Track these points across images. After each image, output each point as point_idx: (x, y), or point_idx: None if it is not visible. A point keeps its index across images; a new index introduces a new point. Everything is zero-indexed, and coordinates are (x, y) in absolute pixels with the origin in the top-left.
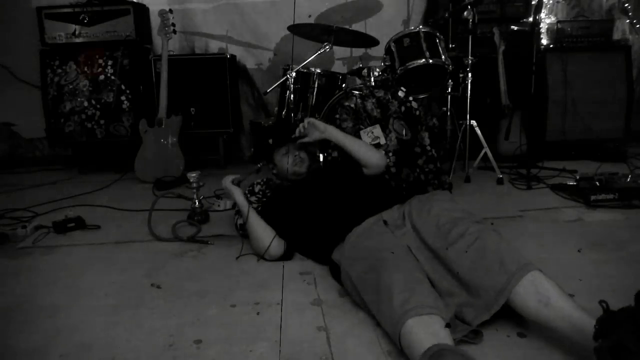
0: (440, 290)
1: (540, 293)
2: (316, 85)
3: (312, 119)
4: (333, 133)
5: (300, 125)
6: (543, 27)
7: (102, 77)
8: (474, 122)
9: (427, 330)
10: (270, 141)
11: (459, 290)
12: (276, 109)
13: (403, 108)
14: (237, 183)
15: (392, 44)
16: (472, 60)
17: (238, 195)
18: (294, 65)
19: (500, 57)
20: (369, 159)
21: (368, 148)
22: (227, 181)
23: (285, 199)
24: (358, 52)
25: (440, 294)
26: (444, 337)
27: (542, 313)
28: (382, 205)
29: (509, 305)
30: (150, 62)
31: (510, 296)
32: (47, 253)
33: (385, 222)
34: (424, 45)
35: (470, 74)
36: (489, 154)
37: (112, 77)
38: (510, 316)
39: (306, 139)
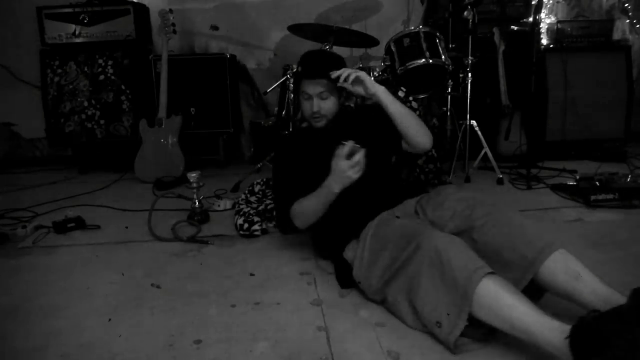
0: None
1: (570, 267)
2: None
3: (362, 73)
4: (382, 96)
5: (347, 72)
6: (543, 27)
7: (102, 77)
8: (474, 122)
9: (507, 287)
10: (299, 70)
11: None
12: (276, 109)
13: None
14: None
15: (392, 44)
16: (472, 60)
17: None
18: (293, 65)
19: (500, 57)
20: (419, 136)
21: (421, 124)
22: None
23: (302, 167)
24: (358, 52)
25: None
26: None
27: (572, 286)
28: (396, 200)
29: (536, 280)
30: (150, 62)
31: (540, 270)
32: (47, 253)
33: (397, 218)
34: (424, 45)
35: (470, 74)
36: (489, 154)
37: (112, 77)
38: None
39: (345, 84)
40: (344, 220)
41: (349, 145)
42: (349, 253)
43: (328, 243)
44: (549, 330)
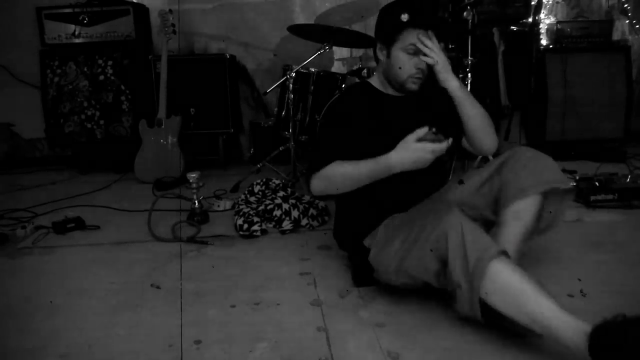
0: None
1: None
2: (316, 86)
3: (441, 60)
4: (455, 92)
5: (429, 51)
6: (543, 27)
7: (101, 77)
8: None
9: (515, 269)
10: (405, 17)
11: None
12: (276, 109)
13: None
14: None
15: None
16: (471, 60)
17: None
18: (293, 66)
19: (500, 57)
20: (485, 140)
21: (491, 127)
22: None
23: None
24: (358, 52)
25: None
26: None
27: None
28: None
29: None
30: (150, 62)
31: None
32: (46, 253)
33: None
34: None
35: (469, 75)
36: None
37: (112, 78)
38: None
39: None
40: (378, 206)
41: (433, 133)
42: (368, 240)
43: (352, 228)
44: (573, 329)
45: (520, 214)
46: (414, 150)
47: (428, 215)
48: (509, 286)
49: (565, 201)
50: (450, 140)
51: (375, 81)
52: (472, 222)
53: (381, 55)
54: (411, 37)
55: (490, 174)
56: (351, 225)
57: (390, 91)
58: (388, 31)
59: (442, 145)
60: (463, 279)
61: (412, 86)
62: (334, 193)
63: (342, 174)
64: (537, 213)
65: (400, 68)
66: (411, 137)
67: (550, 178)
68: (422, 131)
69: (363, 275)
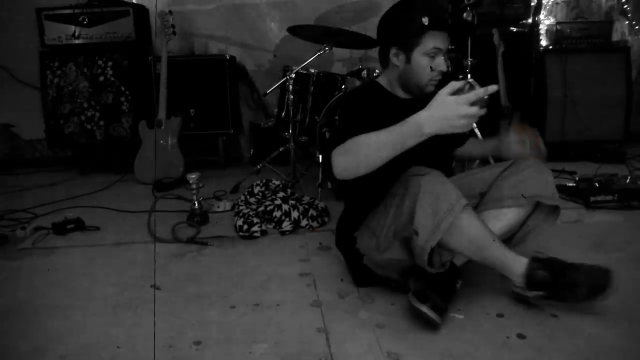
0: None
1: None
2: (316, 87)
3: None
4: None
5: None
6: (542, 28)
7: (101, 78)
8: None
9: (478, 218)
10: (426, 20)
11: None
12: (276, 110)
13: None
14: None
15: None
16: (471, 61)
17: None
18: (293, 67)
19: (500, 58)
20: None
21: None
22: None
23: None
24: (358, 53)
25: None
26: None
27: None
28: None
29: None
30: (149, 63)
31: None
32: (46, 254)
33: None
34: None
35: (469, 75)
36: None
37: (112, 79)
38: (509, 316)
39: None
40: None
41: (470, 86)
42: (358, 231)
43: (353, 226)
44: (515, 261)
45: (496, 219)
46: (440, 103)
47: (399, 187)
48: (473, 233)
49: (548, 221)
50: (492, 88)
51: (383, 82)
52: (439, 176)
53: (397, 61)
54: (432, 41)
55: (493, 175)
56: (353, 223)
57: (399, 93)
58: (407, 36)
59: (480, 92)
60: (425, 225)
61: (431, 88)
62: (361, 171)
63: (367, 143)
64: (513, 224)
65: (430, 69)
66: (444, 90)
67: (539, 192)
68: (458, 83)
69: (363, 275)
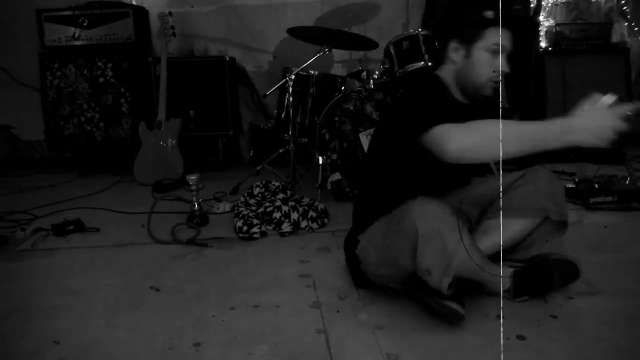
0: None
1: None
2: (315, 88)
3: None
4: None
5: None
6: (542, 30)
7: (101, 79)
8: None
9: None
10: (490, 13)
11: None
12: (275, 111)
13: None
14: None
15: (391, 47)
16: None
17: None
18: (293, 68)
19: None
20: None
21: None
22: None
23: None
24: (357, 54)
25: None
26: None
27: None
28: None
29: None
30: (149, 64)
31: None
32: (46, 256)
33: None
34: (423, 48)
35: None
36: None
37: (112, 80)
38: (509, 318)
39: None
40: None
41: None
42: (361, 235)
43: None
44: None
45: (503, 228)
46: (605, 115)
47: (401, 214)
48: (474, 263)
49: (555, 234)
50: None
51: (446, 79)
52: (438, 206)
53: (456, 56)
54: (495, 36)
55: (505, 184)
56: (360, 223)
57: (457, 95)
58: (469, 28)
59: (627, 107)
60: (437, 265)
61: (489, 90)
62: (486, 156)
63: (507, 130)
64: (519, 235)
65: (482, 69)
66: (601, 102)
67: (546, 206)
68: (610, 98)
69: (363, 277)
